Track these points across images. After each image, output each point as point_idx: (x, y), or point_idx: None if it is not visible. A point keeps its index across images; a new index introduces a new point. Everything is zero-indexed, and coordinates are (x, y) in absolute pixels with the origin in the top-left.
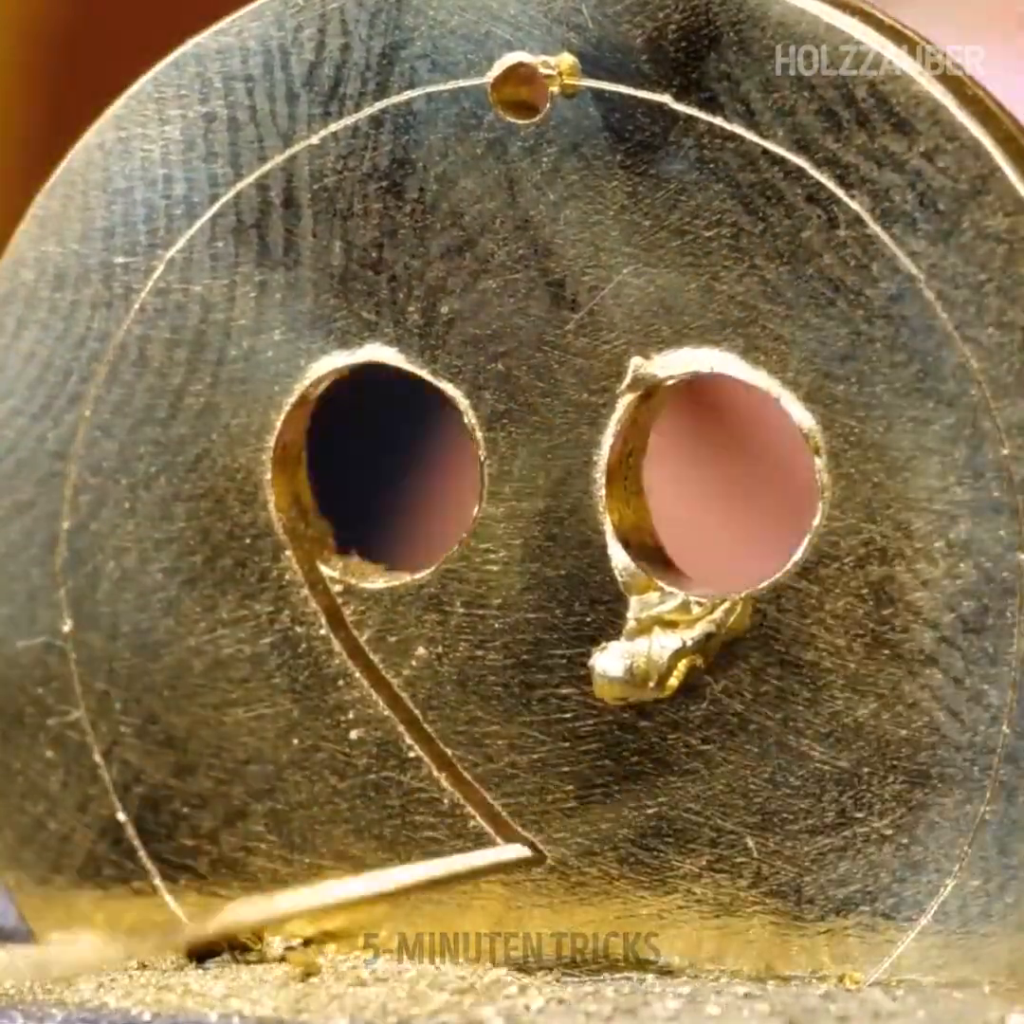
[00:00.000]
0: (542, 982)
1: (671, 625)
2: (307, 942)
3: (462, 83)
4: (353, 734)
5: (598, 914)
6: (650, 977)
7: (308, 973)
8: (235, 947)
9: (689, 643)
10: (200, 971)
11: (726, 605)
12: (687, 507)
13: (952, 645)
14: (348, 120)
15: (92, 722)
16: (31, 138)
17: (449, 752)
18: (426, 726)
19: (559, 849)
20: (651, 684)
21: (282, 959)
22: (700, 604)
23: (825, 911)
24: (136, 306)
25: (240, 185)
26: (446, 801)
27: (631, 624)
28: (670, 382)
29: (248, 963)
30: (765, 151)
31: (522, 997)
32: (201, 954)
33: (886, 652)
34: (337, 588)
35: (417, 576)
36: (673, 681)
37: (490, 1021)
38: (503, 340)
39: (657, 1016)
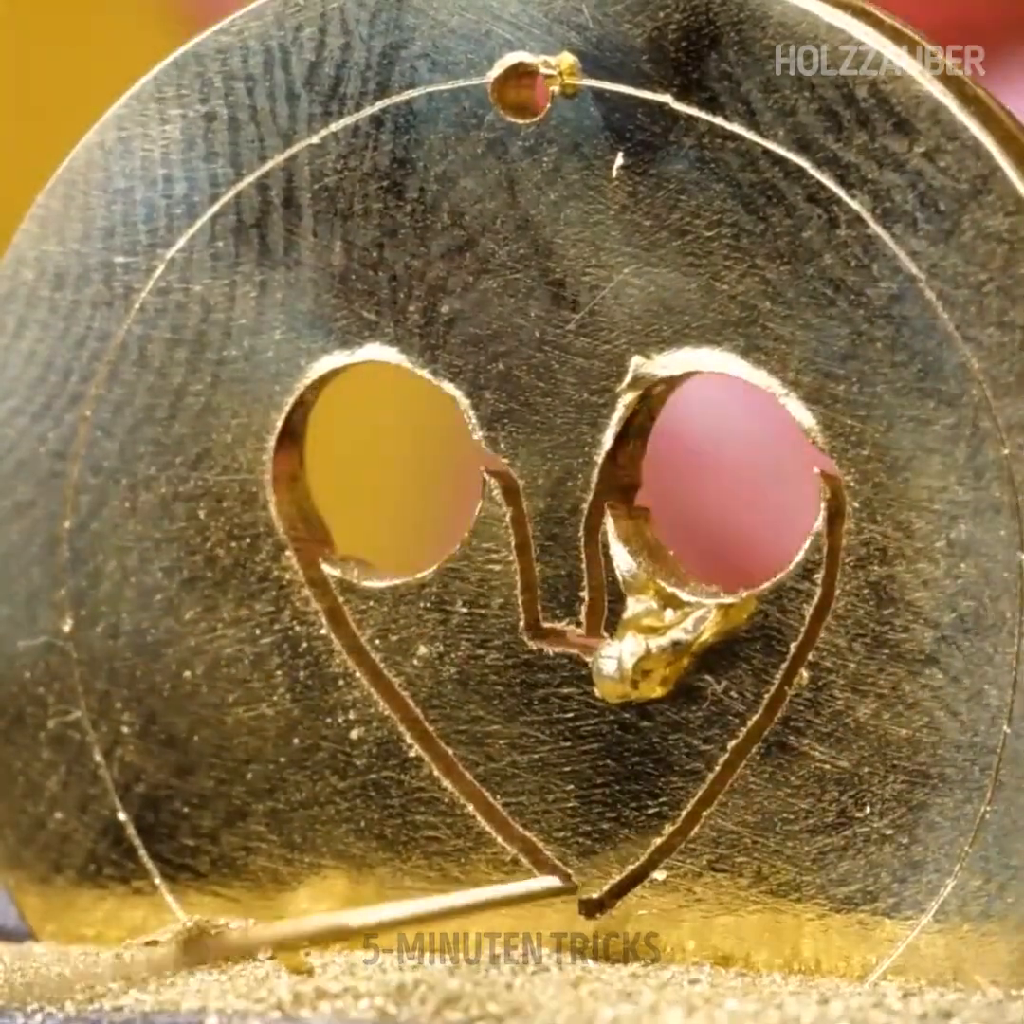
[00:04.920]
0: (537, 982)
1: (651, 630)
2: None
3: (462, 83)
4: (354, 733)
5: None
6: (650, 972)
7: (299, 971)
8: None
9: (653, 649)
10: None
11: (698, 614)
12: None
13: (952, 645)
14: (348, 120)
15: (93, 722)
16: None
17: (450, 752)
18: (427, 725)
19: (560, 849)
20: (627, 686)
21: (271, 958)
22: (686, 609)
23: (825, 910)
24: (136, 306)
25: (241, 185)
26: (446, 801)
27: (621, 626)
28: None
29: (241, 962)
30: (766, 151)
31: (524, 994)
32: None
33: (886, 652)
34: (338, 587)
35: (419, 575)
36: (649, 685)
37: (489, 1019)
38: (504, 340)
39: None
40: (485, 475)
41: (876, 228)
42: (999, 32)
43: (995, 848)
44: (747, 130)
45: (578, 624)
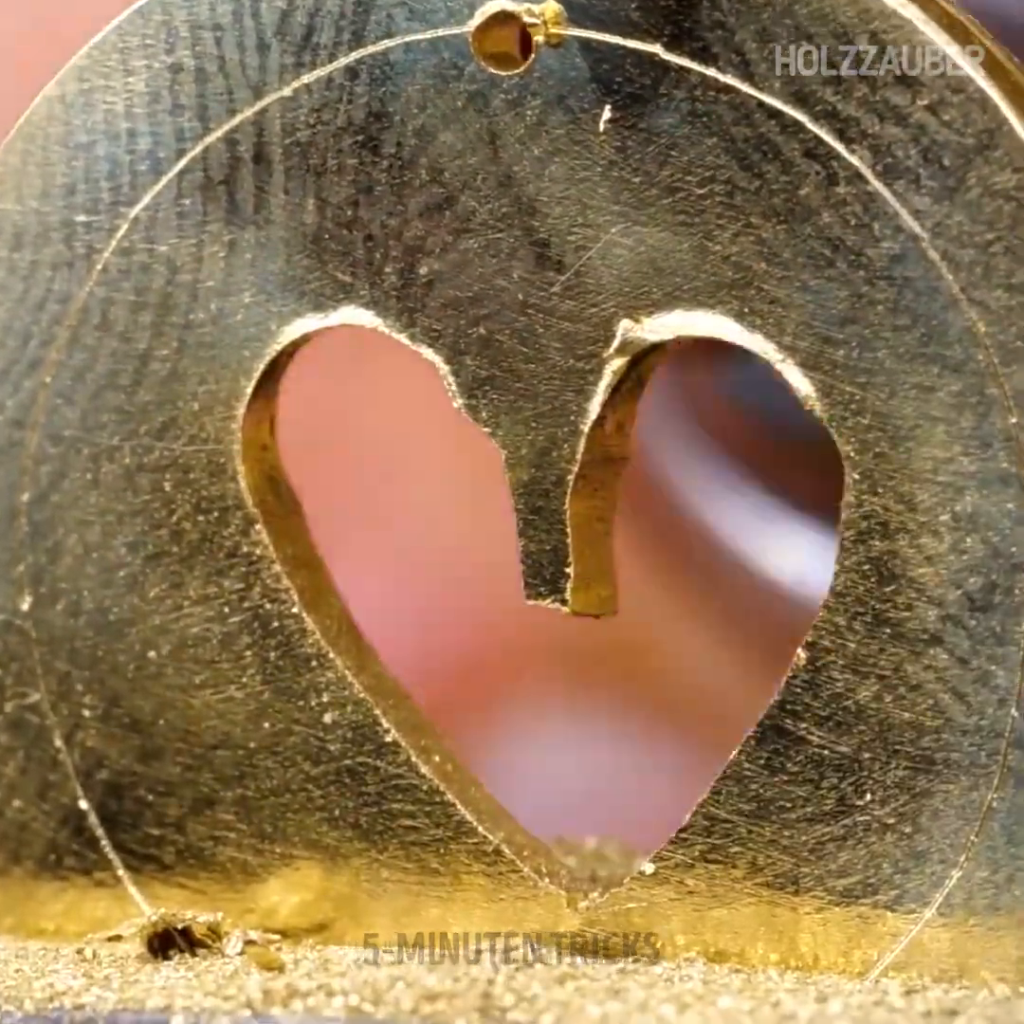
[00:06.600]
0: (520, 978)
1: None
2: (271, 938)
3: (442, 32)
4: (327, 717)
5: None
6: (640, 969)
7: (270, 967)
8: (194, 943)
9: None
10: (163, 965)
11: None
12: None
13: (958, 624)
14: (322, 71)
15: (53, 704)
16: None
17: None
18: (405, 709)
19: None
20: None
21: (241, 953)
22: None
23: (824, 903)
24: (99, 267)
25: (208, 139)
26: (425, 788)
27: None
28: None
29: (209, 958)
30: (761, 104)
31: (498, 996)
32: (161, 947)
33: (888, 631)
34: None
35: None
36: None
37: (462, 1019)
38: (485, 303)
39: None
40: None
41: (877, 185)
42: None
43: (1002, 837)
44: (741, 82)
45: (563, 602)
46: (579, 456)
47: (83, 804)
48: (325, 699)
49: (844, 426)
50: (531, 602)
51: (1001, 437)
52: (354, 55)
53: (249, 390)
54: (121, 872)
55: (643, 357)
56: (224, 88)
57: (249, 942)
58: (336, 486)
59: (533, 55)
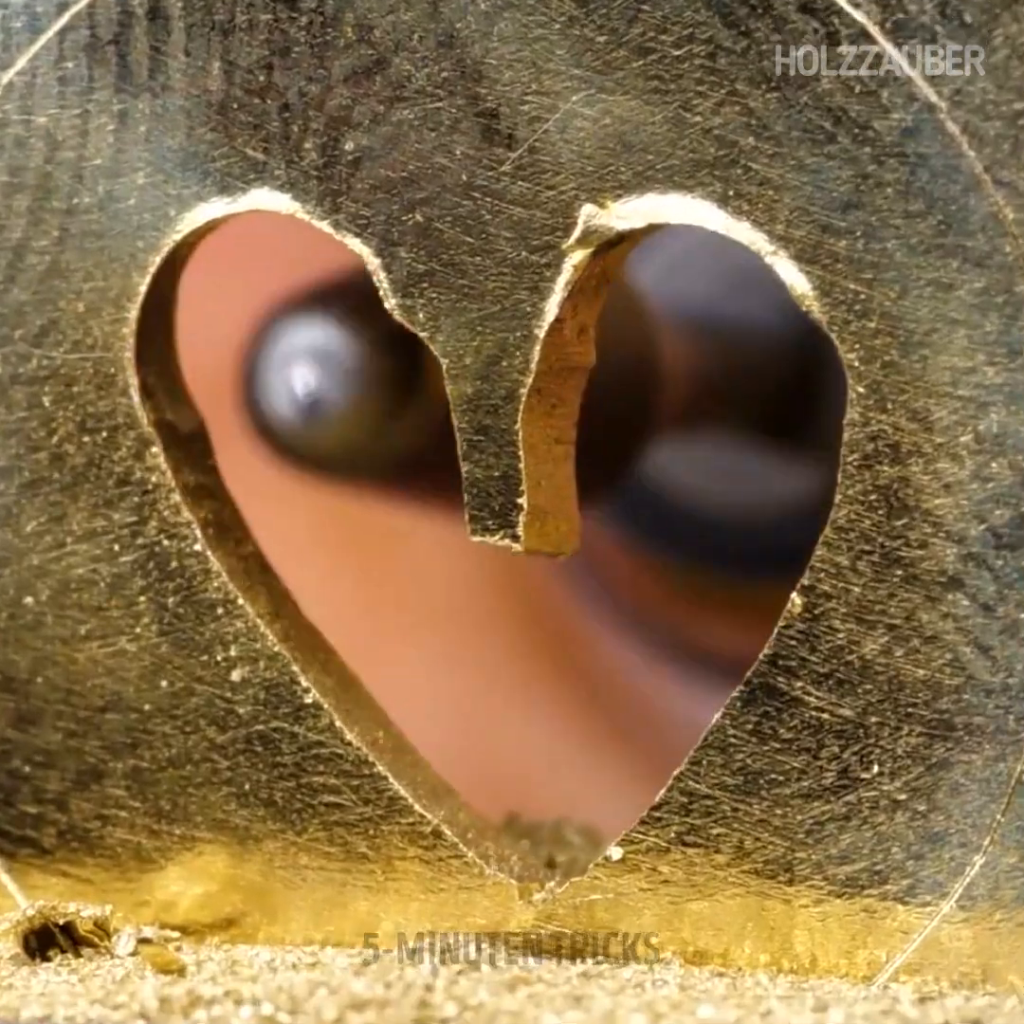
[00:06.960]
0: (463, 984)
1: None
2: (170, 936)
3: None
4: (235, 674)
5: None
6: (606, 972)
7: (168, 970)
8: (78, 941)
9: None
10: (41, 967)
11: None
12: None
13: (981, 564)
14: None
15: None
16: None
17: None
18: (328, 665)
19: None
20: None
21: (134, 954)
22: None
23: (823, 895)
24: None
25: None
26: (351, 758)
27: None
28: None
29: (95, 959)
30: None
31: (437, 1005)
32: (39, 946)
33: (899, 573)
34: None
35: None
36: None
37: None
38: (422, 184)
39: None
40: None
41: (885, 45)
42: None
43: None
44: None
45: (515, 538)
46: (533, 365)
47: None
48: (233, 653)
49: (847, 330)
50: (477, 539)
51: None
52: None
53: (143, 288)
54: None
55: (609, 248)
56: None
57: (143, 940)
58: None
59: None
